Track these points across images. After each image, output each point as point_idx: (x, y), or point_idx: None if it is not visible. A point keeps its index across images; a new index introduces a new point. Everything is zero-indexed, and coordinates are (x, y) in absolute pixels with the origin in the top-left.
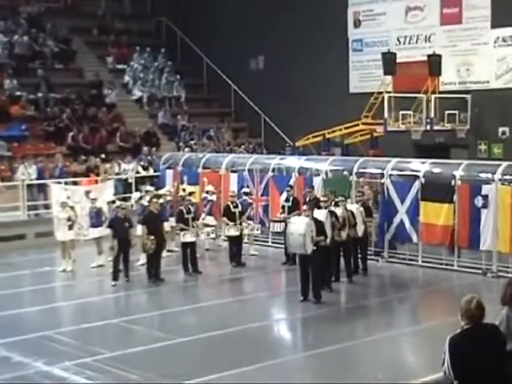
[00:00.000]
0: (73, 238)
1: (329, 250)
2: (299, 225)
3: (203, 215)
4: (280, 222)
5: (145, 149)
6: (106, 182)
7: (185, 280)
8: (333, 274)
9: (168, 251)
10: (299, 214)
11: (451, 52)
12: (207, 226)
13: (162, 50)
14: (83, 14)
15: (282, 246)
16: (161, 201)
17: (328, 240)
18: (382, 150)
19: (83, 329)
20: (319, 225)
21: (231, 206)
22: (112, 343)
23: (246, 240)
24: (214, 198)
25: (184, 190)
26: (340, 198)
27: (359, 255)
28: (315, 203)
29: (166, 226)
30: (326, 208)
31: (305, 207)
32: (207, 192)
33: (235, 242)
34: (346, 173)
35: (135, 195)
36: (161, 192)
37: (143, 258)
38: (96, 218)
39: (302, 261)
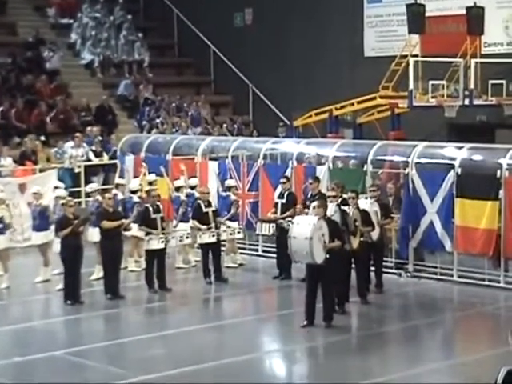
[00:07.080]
0: (7, 246)
1: (347, 258)
2: (304, 226)
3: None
4: (270, 222)
5: (97, 129)
6: (48, 173)
7: (149, 299)
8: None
9: (136, 262)
10: (292, 215)
11: (497, 3)
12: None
13: (120, 1)
14: None
15: (275, 254)
16: (136, 199)
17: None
18: (406, 131)
19: (15, 364)
20: (333, 227)
21: (202, 205)
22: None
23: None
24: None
25: (151, 183)
26: (350, 195)
27: (372, 267)
28: (325, 199)
29: (135, 230)
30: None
31: (315, 203)
32: (192, 188)
33: (213, 252)
34: (356, 161)
35: (91, 187)
36: (132, 187)
37: (98, 271)
38: (40, 219)
39: (311, 273)
